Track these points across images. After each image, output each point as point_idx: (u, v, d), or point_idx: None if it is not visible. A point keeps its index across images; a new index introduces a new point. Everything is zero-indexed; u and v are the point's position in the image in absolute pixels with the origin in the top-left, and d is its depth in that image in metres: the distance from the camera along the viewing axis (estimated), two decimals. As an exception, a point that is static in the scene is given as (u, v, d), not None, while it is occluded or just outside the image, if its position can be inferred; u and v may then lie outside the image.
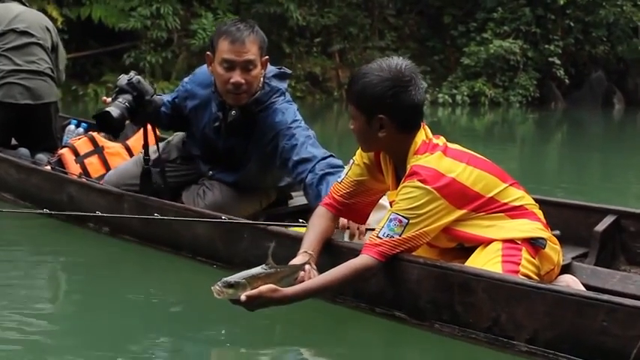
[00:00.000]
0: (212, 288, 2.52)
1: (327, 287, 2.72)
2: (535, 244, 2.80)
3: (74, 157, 4.82)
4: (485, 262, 2.74)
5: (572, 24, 18.00)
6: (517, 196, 2.88)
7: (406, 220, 2.71)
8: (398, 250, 2.74)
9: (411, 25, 19.16)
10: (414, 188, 2.72)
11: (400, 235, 2.72)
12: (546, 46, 17.71)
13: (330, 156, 3.59)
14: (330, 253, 2.95)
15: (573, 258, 3.20)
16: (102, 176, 4.67)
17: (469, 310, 2.68)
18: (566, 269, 3.04)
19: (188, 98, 3.97)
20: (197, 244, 3.64)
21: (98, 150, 4.89)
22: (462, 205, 2.77)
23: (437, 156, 2.79)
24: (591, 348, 2.42)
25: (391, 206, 2.86)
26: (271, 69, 3.86)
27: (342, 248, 3.00)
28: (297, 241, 3.02)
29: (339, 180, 3.12)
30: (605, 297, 2.45)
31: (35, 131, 5.52)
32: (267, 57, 3.71)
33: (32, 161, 5.13)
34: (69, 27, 14.63)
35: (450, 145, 2.90)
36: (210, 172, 3.97)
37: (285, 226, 3.46)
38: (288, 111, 3.73)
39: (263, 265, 2.62)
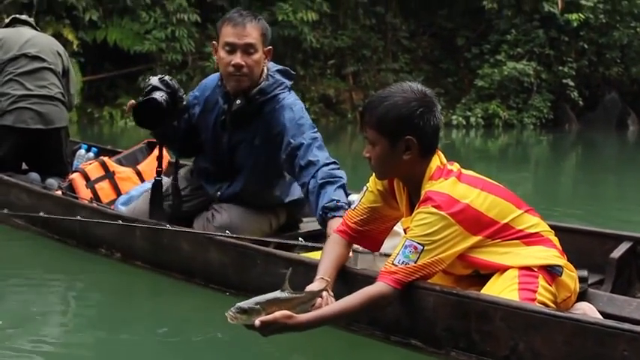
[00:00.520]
0: (226, 314, 2.50)
1: (342, 315, 2.69)
2: (552, 272, 2.78)
3: (85, 182, 4.82)
4: (502, 289, 2.72)
5: (585, 46, 18.01)
6: (532, 222, 2.86)
7: (421, 247, 2.70)
8: (414, 278, 2.72)
9: (424, 48, 19.22)
10: (428, 214, 2.71)
11: (416, 262, 2.70)
12: (560, 67, 17.71)
13: (333, 162, 3.65)
14: (345, 280, 2.94)
15: (589, 285, 3.15)
16: (113, 201, 4.69)
17: (486, 338, 2.65)
18: (581, 296, 3.00)
19: (196, 105, 4.01)
20: (209, 271, 3.62)
21: (109, 175, 4.90)
22: (477, 231, 2.75)
23: (451, 182, 2.78)
24: (612, 378, 2.37)
25: (405, 233, 2.84)
26: (276, 65, 3.93)
27: (357, 275, 2.99)
28: (311, 267, 3.00)
29: (353, 207, 3.11)
30: (627, 326, 2.42)
31: (46, 156, 5.53)
32: (270, 47, 3.77)
33: (43, 186, 5.13)
34: (85, 50, 14.78)
35: (464, 171, 2.89)
36: (219, 193, 3.97)
37: (295, 245, 3.47)
38: (296, 107, 3.77)
39: (279, 291, 2.60)
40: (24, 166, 5.67)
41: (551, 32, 17.70)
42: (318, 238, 3.87)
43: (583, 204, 7.66)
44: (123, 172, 4.95)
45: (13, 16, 5.90)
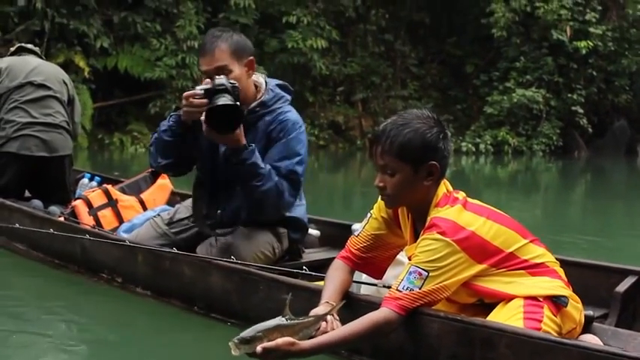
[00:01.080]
0: (229, 344, 2.49)
1: (346, 341, 2.67)
2: (557, 302, 2.76)
3: (87, 209, 4.82)
4: (507, 318, 2.70)
5: (594, 73, 18.06)
6: (538, 253, 2.85)
7: (426, 273, 2.69)
8: (418, 304, 2.70)
9: (433, 75, 19.32)
10: (433, 240, 2.70)
11: (420, 288, 2.69)
12: (569, 95, 17.76)
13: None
14: (348, 306, 2.91)
15: (594, 319, 3.12)
16: (115, 229, 4.68)
17: (491, 365, 2.61)
18: (586, 330, 2.97)
19: None
20: (211, 297, 3.61)
21: (112, 203, 4.89)
22: (482, 259, 2.75)
23: (457, 209, 2.78)
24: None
25: (410, 260, 2.83)
26: (276, 80, 3.95)
27: (361, 301, 2.98)
28: (315, 293, 3.00)
29: (357, 234, 3.10)
30: (634, 354, 2.40)
31: (49, 183, 5.53)
32: (250, 58, 3.76)
33: (45, 212, 5.12)
34: (95, 77, 14.91)
35: (470, 199, 2.89)
36: (219, 211, 3.95)
37: (298, 274, 3.45)
38: (295, 125, 3.79)
39: (280, 317, 2.58)
40: (27, 193, 5.67)
41: (560, 60, 17.77)
42: (322, 268, 3.88)
43: (592, 233, 7.63)
44: (126, 200, 4.95)
45: (19, 44, 5.97)
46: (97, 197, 4.90)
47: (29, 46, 5.93)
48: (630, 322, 3.28)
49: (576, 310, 2.84)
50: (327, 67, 16.98)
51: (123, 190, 5.09)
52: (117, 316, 3.88)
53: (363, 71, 18.12)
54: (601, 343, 2.83)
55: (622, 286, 3.30)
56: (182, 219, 4.08)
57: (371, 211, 3.09)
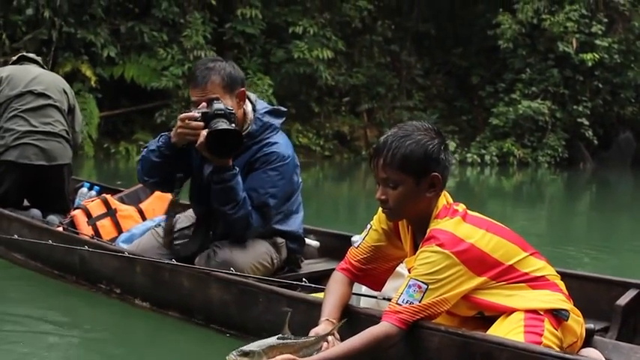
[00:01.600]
0: (227, 357, 2.49)
1: (346, 356, 2.65)
2: (558, 316, 2.75)
3: (86, 219, 4.82)
4: (508, 332, 2.69)
5: (600, 85, 18.05)
6: (538, 266, 2.84)
7: (425, 286, 2.68)
8: (418, 317, 2.69)
9: (438, 86, 19.35)
10: (432, 253, 2.69)
11: (420, 302, 2.68)
12: (575, 107, 17.75)
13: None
14: (348, 319, 2.90)
15: (595, 332, 3.10)
16: (114, 239, 4.67)
17: (491, 380, 2.59)
18: (587, 343, 2.95)
19: None
20: (210, 309, 3.59)
21: (111, 212, 4.89)
22: (482, 272, 2.73)
23: (456, 221, 2.77)
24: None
25: (409, 272, 2.82)
26: (266, 106, 3.94)
27: (361, 315, 2.97)
28: (315, 306, 2.99)
29: (357, 245, 3.09)
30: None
31: (48, 192, 5.51)
32: (242, 89, 3.77)
33: (44, 222, 5.09)
34: (102, 86, 14.97)
35: (470, 212, 2.87)
36: (211, 232, 3.95)
37: (297, 286, 3.45)
38: (279, 156, 3.80)
39: (279, 335, 2.58)
40: (26, 202, 5.64)
41: (565, 71, 17.76)
42: (321, 279, 3.84)
43: (596, 244, 7.62)
44: (125, 210, 4.95)
45: (20, 54, 5.98)
46: (96, 207, 4.90)
47: (31, 55, 5.93)
48: (631, 336, 3.25)
49: (577, 323, 2.83)
50: (332, 77, 17.01)
51: (122, 200, 5.10)
52: (115, 325, 3.87)
53: (369, 82, 18.15)
54: (602, 357, 2.82)
55: (623, 300, 3.28)
56: (182, 228, 4.07)
57: (371, 223, 3.08)
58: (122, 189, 5.57)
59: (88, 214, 4.84)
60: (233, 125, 3.59)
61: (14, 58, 5.92)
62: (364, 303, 3.29)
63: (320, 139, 17.36)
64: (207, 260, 3.83)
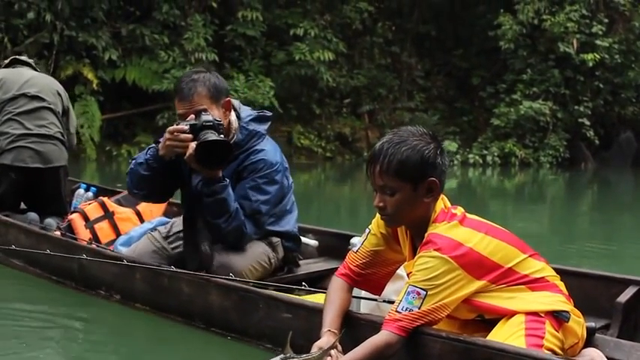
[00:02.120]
0: None
1: None
2: (558, 317, 2.74)
3: (84, 223, 4.80)
4: (509, 335, 2.67)
5: (601, 85, 18.06)
6: (537, 267, 2.82)
7: (424, 292, 2.65)
8: (418, 324, 2.67)
9: (439, 87, 19.38)
10: (430, 258, 2.67)
11: (419, 308, 2.66)
12: (576, 107, 17.77)
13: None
14: (349, 325, 2.90)
15: (596, 330, 3.07)
16: (112, 241, 4.65)
17: (494, 386, 2.57)
18: (588, 341, 2.93)
19: None
20: (210, 314, 3.58)
21: (108, 215, 4.88)
22: (481, 275, 2.71)
23: (454, 225, 2.75)
24: None
25: (408, 277, 2.80)
26: (250, 113, 3.93)
27: (361, 320, 2.96)
28: (315, 312, 2.98)
29: (355, 249, 3.07)
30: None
31: (45, 195, 5.49)
32: (227, 99, 3.77)
33: (41, 226, 5.07)
34: (104, 89, 15.01)
35: (468, 215, 2.85)
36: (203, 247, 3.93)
37: (295, 289, 3.46)
38: (267, 163, 3.80)
39: (282, 356, 2.58)
40: (22, 205, 5.63)
41: (566, 72, 17.76)
42: (320, 280, 3.86)
43: (598, 243, 7.62)
44: (122, 212, 4.93)
45: (13, 57, 5.95)
46: (94, 210, 4.88)
47: (24, 58, 5.91)
48: (632, 333, 3.24)
49: (578, 324, 2.81)
50: (333, 79, 17.02)
51: (119, 202, 5.07)
52: (116, 328, 3.86)
53: (370, 83, 18.16)
54: (604, 357, 2.80)
55: (623, 297, 3.26)
56: (179, 231, 4.06)
57: (369, 227, 3.05)
58: (119, 190, 5.55)
59: (86, 218, 4.83)
60: (222, 136, 3.58)
61: (6, 61, 5.90)
62: (364, 306, 3.28)
63: (321, 141, 17.38)
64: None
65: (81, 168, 13.71)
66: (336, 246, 4.38)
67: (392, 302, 2.86)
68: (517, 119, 17.46)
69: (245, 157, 3.80)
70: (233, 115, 3.85)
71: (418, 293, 2.66)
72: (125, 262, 3.90)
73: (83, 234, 4.73)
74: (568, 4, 17.58)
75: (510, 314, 2.74)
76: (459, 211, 2.86)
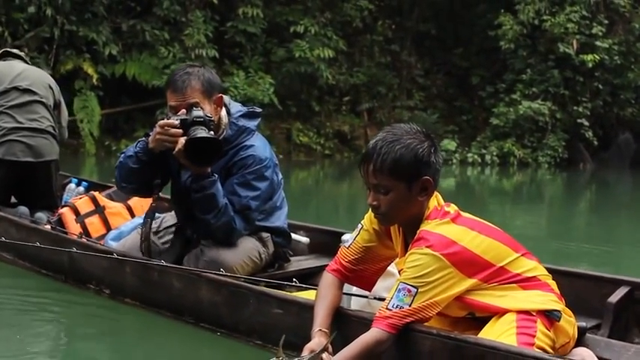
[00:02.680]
0: None
1: None
2: (550, 317, 2.73)
3: (74, 217, 4.79)
4: (500, 333, 2.66)
5: (600, 86, 18.06)
6: (530, 266, 2.81)
7: (415, 289, 2.64)
8: (409, 321, 2.66)
9: (438, 85, 19.39)
10: (421, 255, 2.66)
11: (410, 305, 2.65)
12: (575, 107, 17.77)
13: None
14: (339, 322, 2.90)
15: (587, 330, 3.07)
16: (102, 236, 4.63)
17: (485, 385, 2.56)
18: (578, 341, 2.94)
19: None
20: (200, 309, 3.57)
21: (99, 210, 4.87)
22: (473, 274, 2.70)
23: (446, 222, 2.74)
24: None
25: (400, 274, 2.79)
26: (240, 109, 3.92)
27: (351, 317, 2.96)
28: (306, 308, 2.98)
29: (347, 245, 3.05)
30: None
31: (35, 189, 5.46)
32: (219, 95, 3.76)
33: (32, 220, 5.04)
34: (103, 84, 15.01)
35: (462, 213, 2.84)
36: (195, 235, 3.94)
37: (286, 286, 3.46)
38: (256, 159, 3.79)
39: (274, 358, 2.58)
40: (13, 199, 5.59)
41: (566, 72, 17.76)
42: (310, 276, 3.87)
43: (595, 243, 7.63)
44: (113, 207, 4.91)
45: (4, 49, 5.91)
46: (84, 204, 4.86)
47: (15, 51, 5.88)
48: (623, 333, 3.26)
49: (569, 324, 2.81)
50: (333, 76, 17.03)
51: (110, 197, 5.06)
52: (104, 322, 3.83)
53: (369, 81, 18.17)
54: (595, 357, 2.80)
55: (614, 297, 3.28)
56: (169, 227, 4.06)
57: (362, 222, 3.04)
58: (111, 185, 5.49)
59: (76, 212, 4.81)
60: (211, 133, 3.59)
61: None
62: (355, 302, 3.27)
63: (320, 138, 17.40)
64: (195, 260, 3.81)
65: (80, 163, 13.74)
66: (326, 243, 4.37)
67: (382, 299, 2.86)
68: (516, 119, 17.47)
69: (234, 152, 3.79)
70: (223, 111, 3.84)
71: (409, 290, 2.65)
72: (115, 256, 3.88)
73: (74, 228, 4.70)
74: (568, 5, 17.58)
75: (502, 312, 2.73)
76: (452, 208, 2.85)
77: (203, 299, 3.55)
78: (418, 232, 2.75)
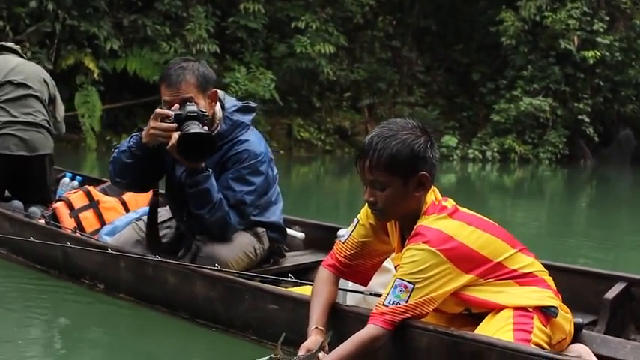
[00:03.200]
0: None
1: None
2: (546, 313, 2.72)
3: (69, 211, 4.77)
4: (497, 329, 2.65)
5: (601, 83, 18.05)
6: (526, 262, 2.80)
7: (412, 285, 2.63)
8: (405, 317, 2.65)
9: (439, 82, 19.38)
10: (418, 250, 2.64)
11: (407, 302, 2.63)
12: (575, 104, 17.77)
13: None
14: (335, 317, 2.89)
15: (583, 326, 3.07)
16: (97, 231, 4.61)
17: (481, 381, 2.55)
18: (575, 337, 2.92)
19: None
20: (195, 304, 3.55)
21: (93, 204, 4.84)
22: (469, 269, 2.68)
23: (443, 218, 2.72)
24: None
25: (396, 270, 2.77)
26: (235, 103, 3.91)
27: (347, 313, 2.95)
28: (301, 303, 2.97)
29: (343, 240, 3.04)
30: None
31: (30, 183, 5.44)
32: (214, 90, 3.74)
33: (26, 214, 5.01)
34: (105, 79, 14.99)
35: (460, 208, 2.83)
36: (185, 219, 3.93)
37: (281, 281, 3.46)
38: (251, 153, 3.78)
39: (270, 356, 2.58)
40: (7, 193, 5.57)
41: (567, 69, 17.75)
42: (306, 272, 3.85)
43: (595, 240, 7.65)
44: (108, 201, 4.89)
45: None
46: (79, 199, 4.84)
47: (9, 44, 5.86)
48: (619, 329, 3.26)
49: (566, 320, 2.80)
50: (334, 72, 17.03)
51: (104, 191, 5.03)
52: (99, 318, 3.82)
53: (370, 77, 18.17)
54: (591, 353, 2.79)
55: (611, 293, 3.28)
56: (164, 222, 4.05)
57: (358, 217, 3.02)
58: (105, 180, 5.44)
59: (71, 207, 4.79)
60: (205, 129, 3.56)
61: None
62: (350, 298, 3.26)
63: (321, 134, 17.41)
64: (190, 255, 3.81)
65: (81, 157, 13.75)
66: (322, 238, 4.36)
67: (378, 295, 2.85)
68: (517, 115, 17.47)
69: (229, 147, 3.78)
70: (218, 106, 3.82)
71: (405, 286, 2.64)
72: (110, 251, 3.86)
73: (68, 223, 4.68)
74: (569, 2, 17.56)
75: (498, 308, 2.72)
76: (450, 203, 2.83)
77: (198, 294, 3.53)
78: (415, 227, 2.74)
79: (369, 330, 2.65)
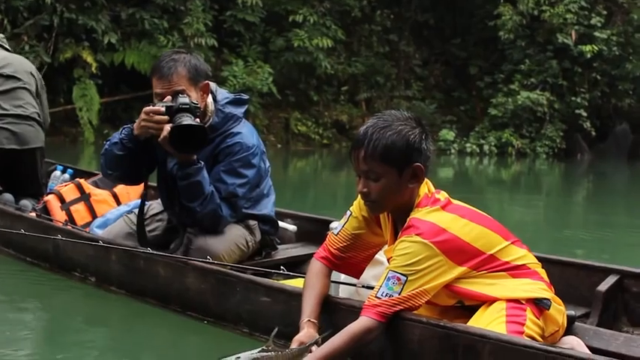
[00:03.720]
0: None
1: (330, 357, 2.59)
2: (539, 305, 2.72)
3: (60, 204, 4.75)
4: (489, 321, 2.64)
5: (598, 77, 18.08)
6: (519, 255, 2.79)
7: (404, 278, 2.62)
8: (398, 309, 2.64)
9: (436, 76, 19.39)
10: (411, 243, 2.63)
11: (399, 294, 2.62)
12: (573, 98, 17.80)
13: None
14: (327, 310, 2.88)
15: (576, 319, 3.05)
16: (88, 224, 4.59)
17: (474, 373, 2.55)
18: (568, 330, 2.91)
19: None
20: (186, 297, 3.52)
21: (84, 197, 4.82)
22: (462, 261, 2.68)
23: (436, 210, 2.72)
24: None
25: (389, 263, 2.76)
26: (227, 95, 3.90)
27: (340, 305, 2.93)
28: (293, 296, 2.96)
29: (336, 232, 3.03)
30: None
31: (21, 176, 5.40)
32: (206, 82, 3.72)
33: (17, 207, 4.98)
34: (102, 72, 14.97)
35: (453, 200, 2.83)
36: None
37: (273, 274, 3.45)
38: (243, 145, 3.77)
39: (262, 348, 2.57)
40: None
41: (564, 63, 17.78)
42: (298, 264, 3.85)
43: (591, 232, 7.67)
44: (99, 194, 4.87)
45: None
46: (70, 191, 4.83)
47: None
48: (612, 322, 3.27)
49: (559, 312, 2.80)
50: (332, 66, 17.04)
51: (96, 184, 5.01)
52: (90, 311, 3.80)
53: (368, 71, 18.18)
54: (584, 345, 2.79)
55: (604, 285, 3.28)
56: (155, 214, 4.04)
57: (350, 209, 3.01)
58: (96, 172, 5.43)
59: (62, 199, 4.78)
60: (197, 120, 3.54)
61: None
62: (343, 290, 3.25)
63: (319, 128, 17.42)
64: (182, 247, 3.79)
65: (79, 151, 13.74)
66: (314, 231, 4.35)
67: (371, 287, 2.84)
68: (514, 109, 17.50)
69: (221, 140, 3.77)
70: (210, 98, 3.81)
71: (398, 279, 2.63)
72: (101, 244, 3.84)
73: (59, 215, 4.66)
74: (567, -4, 17.61)
75: (491, 301, 2.72)
76: (443, 196, 2.83)
77: (190, 287, 3.51)
78: (408, 219, 2.73)
79: (362, 322, 2.64)
